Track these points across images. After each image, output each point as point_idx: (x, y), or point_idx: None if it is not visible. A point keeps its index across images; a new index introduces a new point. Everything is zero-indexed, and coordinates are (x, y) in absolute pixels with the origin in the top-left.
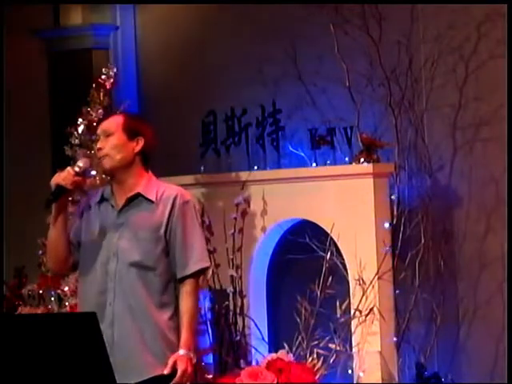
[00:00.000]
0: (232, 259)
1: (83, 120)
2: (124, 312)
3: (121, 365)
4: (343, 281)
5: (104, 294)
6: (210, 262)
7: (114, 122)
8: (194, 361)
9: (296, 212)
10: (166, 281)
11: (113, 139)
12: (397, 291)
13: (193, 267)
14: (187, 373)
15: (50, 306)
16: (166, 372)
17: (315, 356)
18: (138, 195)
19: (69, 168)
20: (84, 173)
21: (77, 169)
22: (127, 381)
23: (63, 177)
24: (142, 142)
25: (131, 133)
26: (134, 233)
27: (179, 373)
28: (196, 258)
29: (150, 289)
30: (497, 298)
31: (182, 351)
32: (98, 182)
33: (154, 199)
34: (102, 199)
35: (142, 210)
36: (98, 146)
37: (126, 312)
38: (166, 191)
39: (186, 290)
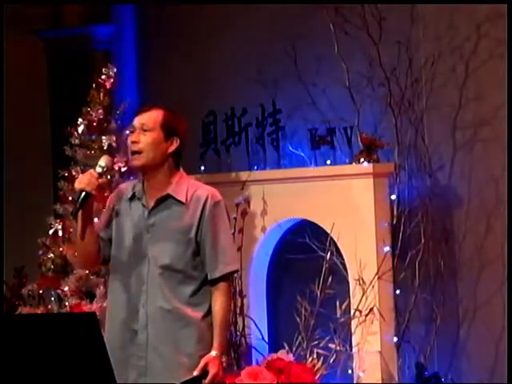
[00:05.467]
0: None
1: (83, 120)
2: (157, 314)
3: (155, 367)
4: (343, 281)
5: (137, 296)
6: None
7: (153, 117)
8: (224, 364)
9: (296, 212)
10: (198, 282)
11: (149, 135)
12: (397, 291)
13: (223, 270)
14: (218, 376)
15: (49, 306)
16: (195, 373)
17: (315, 356)
18: (168, 196)
19: (91, 171)
20: (107, 171)
21: (99, 169)
22: (162, 382)
23: (87, 182)
24: (176, 143)
25: (168, 132)
26: (164, 235)
27: (210, 376)
28: (227, 261)
29: (182, 291)
30: (497, 298)
31: (214, 353)
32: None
33: (184, 200)
34: (133, 196)
35: (173, 212)
36: (133, 138)
37: (159, 314)
38: (196, 192)
39: (218, 291)
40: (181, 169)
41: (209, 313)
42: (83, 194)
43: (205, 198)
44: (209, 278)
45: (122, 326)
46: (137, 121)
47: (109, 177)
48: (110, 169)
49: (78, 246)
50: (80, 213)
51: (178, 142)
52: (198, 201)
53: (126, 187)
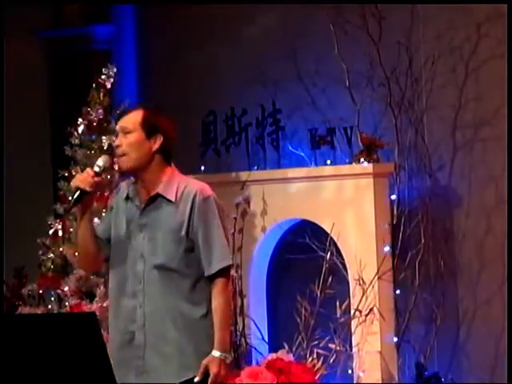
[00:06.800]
0: (232, 259)
1: (83, 120)
2: (154, 314)
3: (154, 368)
4: (343, 281)
5: (134, 296)
6: None
7: (133, 119)
8: (229, 361)
9: (296, 212)
10: (193, 280)
11: (130, 137)
12: (397, 291)
13: (216, 266)
14: (220, 376)
15: (49, 306)
16: (196, 380)
17: (315, 356)
18: (158, 196)
19: (88, 169)
20: (105, 171)
21: (96, 169)
22: (162, 380)
23: (82, 179)
24: (160, 140)
25: (150, 130)
26: (155, 234)
27: (211, 376)
28: (220, 256)
29: (178, 290)
30: (497, 298)
31: (214, 352)
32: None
33: (173, 199)
34: (128, 196)
35: (163, 211)
36: (116, 143)
37: (157, 314)
38: (186, 188)
39: (216, 288)
40: (172, 165)
41: (210, 311)
42: (78, 191)
43: (193, 194)
44: (205, 274)
45: (121, 327)
46: (118, 125)
47: (108, 177)
48: (109, 168)
49: (78, 245)
50: (78, 211)
51: (162, 138)
52: (187, 197)
53: (125, 186)
